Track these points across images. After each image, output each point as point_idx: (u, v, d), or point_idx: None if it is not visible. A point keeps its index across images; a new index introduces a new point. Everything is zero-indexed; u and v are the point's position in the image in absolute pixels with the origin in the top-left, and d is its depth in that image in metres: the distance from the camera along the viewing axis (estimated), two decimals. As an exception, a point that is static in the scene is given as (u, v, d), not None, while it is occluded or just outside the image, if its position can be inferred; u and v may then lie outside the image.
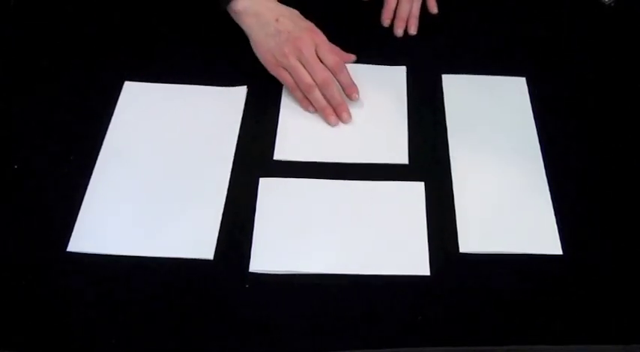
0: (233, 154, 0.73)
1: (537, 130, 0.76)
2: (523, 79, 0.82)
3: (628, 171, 0.73)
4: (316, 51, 0.74)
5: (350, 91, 0.76)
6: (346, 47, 0.80)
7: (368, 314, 0.62)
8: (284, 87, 0.79)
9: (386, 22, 0.87)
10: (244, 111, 0.77)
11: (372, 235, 0.67)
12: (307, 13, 0.78)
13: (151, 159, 0.72)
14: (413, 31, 0.86)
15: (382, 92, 0.79)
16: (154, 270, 0.64)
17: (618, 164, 0.74)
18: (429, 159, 0.73)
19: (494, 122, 0.77)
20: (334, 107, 0.75)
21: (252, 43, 0.78)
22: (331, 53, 0.75)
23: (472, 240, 0.67)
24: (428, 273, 0.64)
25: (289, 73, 0.75)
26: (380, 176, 0.72)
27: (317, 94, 0.75)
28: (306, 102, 0.76)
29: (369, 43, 0.85)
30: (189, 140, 0.74)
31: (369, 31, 0.86)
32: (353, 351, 0.60)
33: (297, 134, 0.75)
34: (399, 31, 0.86)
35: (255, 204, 0.69)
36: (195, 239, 0.66)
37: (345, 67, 0.76)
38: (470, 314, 0.62)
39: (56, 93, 0.78)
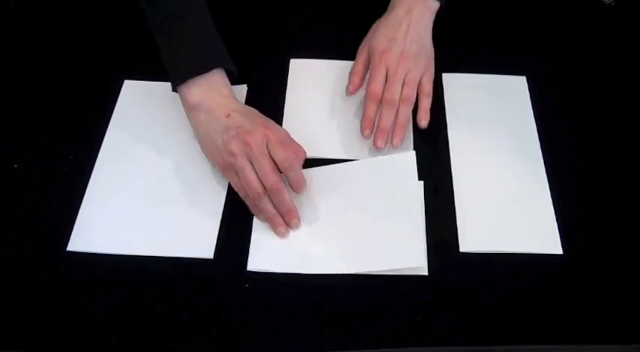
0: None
1: (537, 129, 0.76)
2: (523, 78, 0.82)
3: (628, 170, 0.73)
4: (268, 145, 0.65)
5: (296, 187, 0.67)
6: (346, 45, 0.80)
7: (368, 314, 0.62)
8: (287, 84, 0.79)
9: (365, 133, 0.72)
10: (244, 110, 0.77)
11: (370, 234, 0.67)
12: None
13: (151, 158, 0.72)
14: (396, 142, 0.71)
15: None
16: (153, 270, 0.64)
17: (618, 164, 0.74)
18: (429, 158, 0.73)
19: (494, 121, 0.77)
20: (282, 214, 0.66)
21: (199, 141, 0.70)
22: (284, 149, 0.65)
23: (472, 239, 0.67)
24: (425, 265, 0.64)
25: (238, 176, 0.66)
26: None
27: (265, 203, 0.66)
28: (256, 208, 0.67)
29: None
30: (189, 139, 0.74)
31: (368, 30, 0.86)
32: (353, 351, 0.60)
33: (302, 130, 0.75)
34: (379, 143, 0.71)
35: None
36: (195, 238, 0.66)
37: (297, 164, 0.66)
38: (470, 314, 0.62)
39: (56, 93, 0.78)
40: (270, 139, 0.65)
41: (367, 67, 0.76)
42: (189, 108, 0.68)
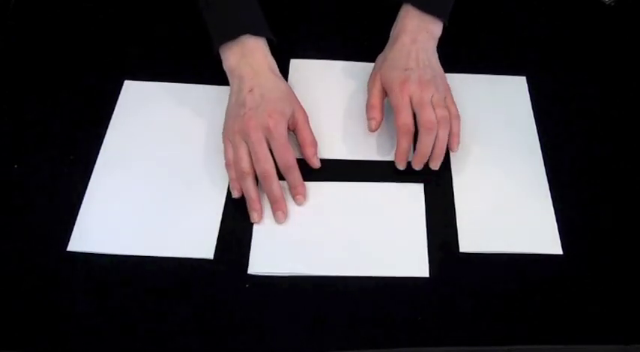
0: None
1: (537, 129, 0.76)
2: (523, 78, 0.81)
3: (628, 170, 0.73)
4: (266, 137, 0.67)
5: (295, 192, 0.68)
6: (346, 45, 0.80)
7: (368, 315, 0.62)
8: (288, 80, 0.79)
9: (400, 166, 0.71)
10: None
11: (371, 237, 0.67)
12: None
13: (151, 159, 0.72)
14: (436, 166, 0.71)
15: None
16: (153, 270, 0.64)
17: (618, 163, 0.74)
18: (429, 158, 0.73)
19: (494, 121, 0.77)
20: (271, 202, 0.68)
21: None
22: (283, 150, 0.67)
23: (472, 239, 0.67)
24: (427, 275, 0.64)
25: (232, 150, 0.68)
26: (385, 173, 0.72)
27: (249, 183, 0.67)
28: (235, 184, 0.68)
29: (370, 41, 0.85)
30: (190, 139, 0.74)
31: (369, 29, 0.86)
32: (353, 351, 0.60)
33: None
34: (417, 168, 0.71)
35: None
36: (196, 238, 0.66)
37: (296, 167, 0.68)
38: (470, 314, 0.62)
39: (56, 93, 0.78)
40: (271, 132, 0.66)
41: (383, 99, 0.74)
42: (227, 70, 0.73)
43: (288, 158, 0.67)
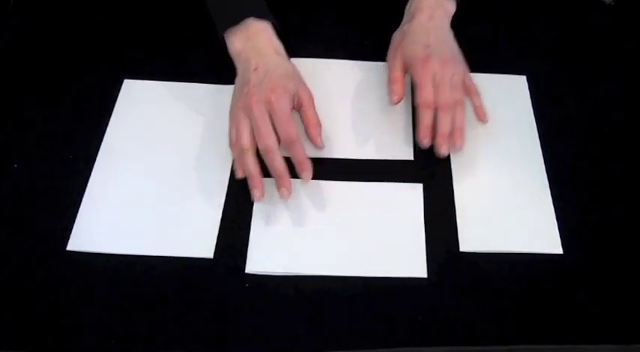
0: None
1: (537, 129, 0.76)
2: (523, 78, 0.82)
3: (628, 170, 0.73)
4: (270, 114, 0.66)
5: (301, 169, 0.67)
6: (346, 45, 0.80)
7: (367, 314, 0.62)
8: None
9: (424, 142, 0.70)
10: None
11: (370, 237, 0.67)
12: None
13: (151, 158, 0.72)
14: (459, 145, 0.71)
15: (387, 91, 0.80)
16: (153, 269, 0.64)
17: (618, 163, 0.74)
18: (429, 158, 0.73)
19: (494, 120, 0.77)
20: (275, 178, 0.67)
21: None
22: (287, 125, 0.66)
23: (472, 238, 0.67)
24: (425, 276, 0.64)
25: (235, 126, 0.68)
26: (385, 172, 0.72)
27: (249, 159, 0.66)
28: (238, 164, 0.68)
29: (371, 41, 0.85)
30: (189, 139, 0.74)
31: (369, 29, 0.86)
32: (353, 351, 0.60)
33: (301, 130, 0.75)
34: (443, 150, 0.70)
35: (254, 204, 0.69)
36: (195, 237, 0.66)
37: (299, 142, 0.67)
38: (470, 314, 0.62)
39: (56, 93, 0.78)
40: (274, 109, 0.66)
41: (404, 74, 0.74)
42: (232, 55, 0.73)
43: (291, 132, 0.66)
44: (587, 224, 0.69)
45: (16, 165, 0.71)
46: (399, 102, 0.73)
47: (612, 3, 0.90)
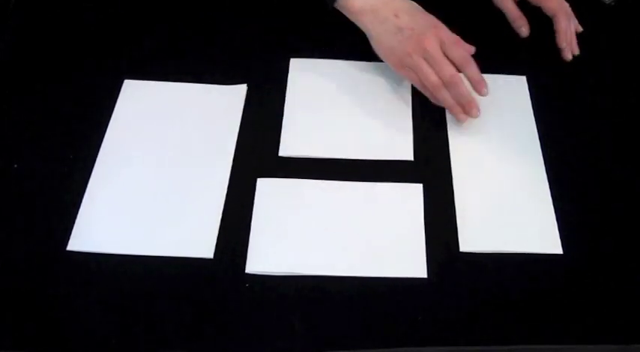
0: (233, 153, 0.73)
1: (537, 129, 0.76)
2: (523, 78, 0.82)
3: (628, 170, 0.73)
4: (441, 46, 0.72)
5: (479, 87, 0.73)
6: (346, 45, 0.80)
7: (367, 314, 0.62)
8: (287, 84, 0.79)
9: (564, 45, 0.80)
10: (244, 109, 0.77)
11: (370, 237, 0.67)
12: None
13: (151, 158, 0.72)
14: (577, 51, 0.80)
15: (388, 91, 0.80)
16: (153, 269, 0.64)
17: (618, 163, 0.74)
18: (429, 158, 0.73)
19: (494, 121, 0.77)
20: (463, 105, 0.73)
21: (372, 43, 0.76)
22: (457, 48, 0.72)
23: (472, 239, 0.67)
24: (425, 276, 0.64)
25: (415, 73, 0.73)
26: (385, 172, 0.72)
27: (444, 93, 0.73)
28: (436, 100, 0.75)
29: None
30: (189, 139, 0.74)
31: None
32: (353, 351, 0.60)
33: (302, 130, 0.75)
34: (570, 56, 0.80)
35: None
36: (195, 238, 0.66)
37: (473, 62, 0.73)
38: (470, 314, 0.62)
39: (55, 92, 0.78)
40: (444, 40, 0.71)
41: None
42: (355, 15, 0.75)
43: (463, 52, 0.72)
44: (587, 224, 0.69)
45: (16, 165, 0.71)
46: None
47: (612, 3, 0.90)
